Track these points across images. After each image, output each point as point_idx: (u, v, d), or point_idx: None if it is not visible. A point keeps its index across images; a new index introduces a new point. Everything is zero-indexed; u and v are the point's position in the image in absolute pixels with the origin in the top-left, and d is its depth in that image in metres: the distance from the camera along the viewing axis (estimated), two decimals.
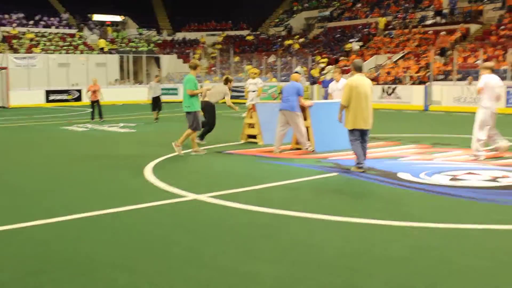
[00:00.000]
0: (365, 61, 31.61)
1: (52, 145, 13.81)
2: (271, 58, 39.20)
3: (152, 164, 9.98)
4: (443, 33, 32.38)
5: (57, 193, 7.87)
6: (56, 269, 4.63)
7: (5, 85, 32.11)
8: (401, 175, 8.59)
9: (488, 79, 9.91)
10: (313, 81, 30.67)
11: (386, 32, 37.29)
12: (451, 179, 8.21)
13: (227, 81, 13.82)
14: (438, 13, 36.00)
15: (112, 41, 45.16)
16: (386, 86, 27.42)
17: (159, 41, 47.75)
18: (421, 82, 27.23)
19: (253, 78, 18.56)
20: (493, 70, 10.24)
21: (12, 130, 18.28)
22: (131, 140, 14.55)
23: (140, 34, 48.16)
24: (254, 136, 12.94)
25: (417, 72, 28.66)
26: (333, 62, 34.22)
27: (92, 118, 20.09)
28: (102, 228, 5.87)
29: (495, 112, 10.04)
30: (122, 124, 18.88)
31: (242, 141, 13.07)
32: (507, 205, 6.69)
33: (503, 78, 24.41)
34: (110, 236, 5.57)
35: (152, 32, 49.17)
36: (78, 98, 34.13)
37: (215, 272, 4.51)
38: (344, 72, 24.56)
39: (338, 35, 40.55)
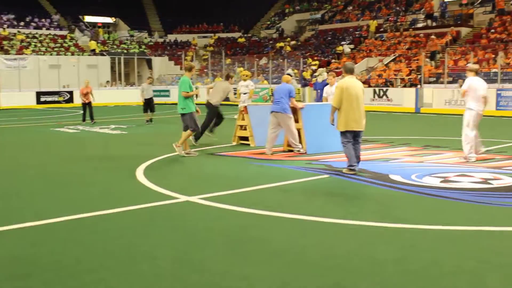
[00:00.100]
0: (357, 63, 31.69)
1: (43, 147, 13.74)
2: (263, 61, 39.23)
3: (143, 165, 9.96)
4: (433, 36, 32.56)
5: (47, 195, 7.83)
6: (45, 271, 4.60)
7: None
8: (392, 177, 8.61)
9: (472, 82, 10.09)
10: (305, 83, 30.72)
11: (377, 35, 37.44)
12: (442, 181, 8.23)
13: (228, 77, 13.85)
14: (429, 16, 36.19)
15: (104, 43, 45.03)
16: (377, 89, 27.50)
17: (151, 43, 47.66)
18: (412, 84, 27.35)
19: (245, 80, 18.56)
20: (477, 73, 10.45)
21: (3, 131, 18.17)
22: (122, 142, 14.51)
23: (132, 36, 48.06)
24: (246, 138, 12.93)
25: (408, 75, 28.78)
26: (325, 64, 34.29)
27: (83, 120, 20.01)
28: (92, 231, 5.84)
29: (481, 114, 10.13)
30: (113, 126, 18.82)
31: (234, 143, 13.06)
32: (498, 206, 6.72)
33: (493, 81, 24.62)
34: (100, 239, 5.54)
35: (144, 34, 49.08)
36: (69, 100, 34.00)
37: (206, 275, 4.49)
38: (338, 75, 24.63)
39: (330, 38, 40.66)
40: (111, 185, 8.51)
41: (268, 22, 50.68)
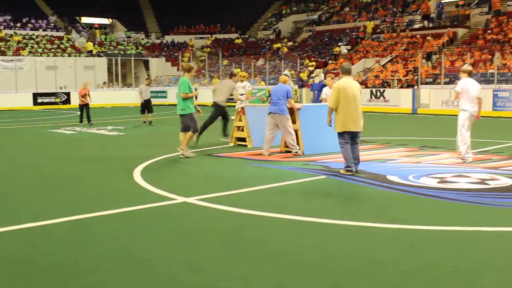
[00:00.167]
0: (353, 64, 31.75)
1: (40, 148, 13.72)
2: (260, 62, 39.25)
3: (141, 167, 9.95)
4: (429, 37, 32.63)
5: (44, 196, 7.82)
6: (43, 272, 4.59)
7: None
8: (390, 177, 8.62)
9: (465, 83, 10.18)
10: (302, 84, 30.73)
11: (374, 36, 37.49)
12: (439, 182, 8.25)
13: (231, 76, 13.88)
14: (426, 17, 36.27)
15: (100, 44, 45.00)
16: (374, 90, 27.54)
17: (148, 44, 47.66)
18: (409, 85, 27.40)
19: (242, 81, 18.56)
20: (470, 74, 10.51)
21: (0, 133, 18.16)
22: (119, 143, 14.50)
23: (128, 37, 48.04)
24: (243, 139, 12.93)
25: (405, 76, 28.82)
26: (322, 65, 34.33)
27: (81, 121, 19.97)
28: (89, 232, 5.84)
29: (475, 115, 10.19)
30: (110, 127, 18.80)
31: (231, 144, 13.06)
32: (495, 207, 6.73)
33: (490, 82, 24.70)
34: (97, 240, 5.53)
35: (141, 35, 49.07)
36: (66, 101, 33.96)
37: (203, 276, 4.49)
38: (336, 75, 24.69)
39: (326, 39, 40.71)
40: (108, 186, 8.50)
41: (265, 23, 50.71)
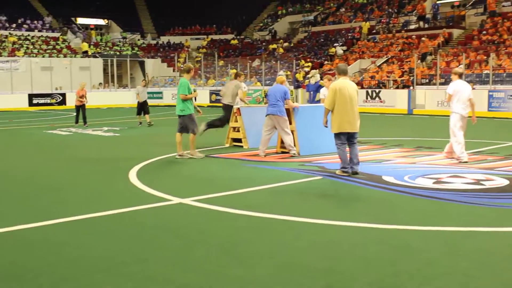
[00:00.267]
0: (349, 65, 31.79)
1: (36, 149, 13.69)
2: (256, 62, 39.27)
3: (136, 168, 9.94)
4: (423, 38, 32.69)
5: (39, 197, 7.80)
6: (40, 274, 4.58)
7: None
8: (385, 178, 8.63)
9: (456, 85, 10.31)
10: (297, 85, 30.76)
11: (370, 36, 37.56)
12: (435, 182, 8.27)
13: (236, 76, 13.89)
14: (421, 18, 36.35)
15: (96, 45, 44.94)
16: (370, 90, 27.59)
17: (143, 45, 47.62)
18: (405, 86, 27.45)
19: None
20: (461, 76, 10.64)
21: None
22: (115, 144, 14.49)
23: (124, 37, 47.99)
24: (239, 140, 12.93)
25: (400, 76, 28.88)
26: (317, 66, 34.37)
27: (76, 122, 19.93)
28: (87, 233, 5.83)
29: (466, 116, 10.29)
30: (106, 128, 18.78)
31: (227, 145, 13.06)
32: (490, 207, 6.75)
33: (485, 83, 24.78)
34: (95, 241, 5.52)
35: (136, 35, 49.04)
36: (62, 102, 33.91)
37: (200, 276, 4.50)
38: (333, 75, 24.74)
39: (322, 40, 40.76)
40: (104, 187, 8.49)
41: (261, 24, 50.75)
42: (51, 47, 41.58)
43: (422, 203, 7.03)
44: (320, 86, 14.86)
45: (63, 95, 34.11)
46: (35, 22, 44.98)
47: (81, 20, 49.18)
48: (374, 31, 38.13)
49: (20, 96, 33.02)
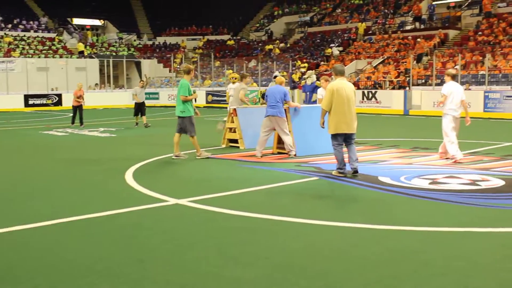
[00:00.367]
0: (345, 66, 31.81)
1: (31, 150, 13.65)
2: (252, 63, 39.27)
3: (133, 168, 9.93)
4: (419, 39, 32.75)
5: (36, 198, 7.78)
6: (36, 276, 4.57)
7: None
8: (381, 179, 8.64)
9: (450, 87, 10.43)
10: (294, 85, 30.79)
11: (366, 37, 37.61)
12: (431, 183, 8.28)
13: (242, 78, 13.92)
14: (417, 18, 36.43)
15: (92, 45, 44.88)
16: (366, 91, 27.63)
17: (140, 46, 47.59)
18: (401, 86, 27.50)
19: (234, 83, 18.57)
20: (454, 77, 10.79)
21: None
22: (111, 145, 14.46)
23: (120, 38, 47.94)
24: (235, 141, 12.93)
25: (396, 77, 28.92)
26: (314, 67, 34.40)
27: (72, 123, 19.91)
28: (83, 234, 5.82)
29: (458, 118, 10.38)
30: (102, 129, 18.76)
31: (223, 146, 13.06)
32: (486, 208, 6.77)
33: (481, 83, 24.84)
34: (91, 242, 5.52)
35: (133, 36, 48.98)
36: (58, 103, 33.84)
37: (197, 277, 4.50)
38: (330, 75, 24.79)
39: (318, 40, 40.79)
40: (100, 188, 8.48)
41: (257, 25, 50.77)
42: (47, 47, 41.51)
43: (418, 204, 7.04)
44: (316, 87, 14.90)
45: (59, 95, 34.03)
46: (31, 22, 44.90)
47: (77, 21, 49.10)
48: (370, 31, 38.18)
49: (16, 96, 32.94)
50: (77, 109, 19.79)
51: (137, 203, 7.12)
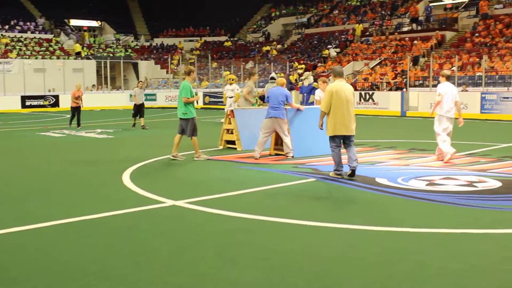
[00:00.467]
0: (343, 67, 31.84)
1: (28, 151, 13.63)
2: (249, 64, 39.28)
3: (130, 170, 9.92)
4: (415, 41, 32.79)
5: (32, 199, 7.77)
6: (31, 277, 4.57)
7: None
8: (379, 180, 8.65)
9: (445, 88, 10.56)
10: (291, 87, 30.78)
11: (363, 38, 37.65)
12: (428, 184, 8.29)
13: (250, 76, 13.94)
14: (414, 20, 36.49)
15: (89, 47, 44.84)
16: (363, 92, 27.65)
17: (137, 47, 47.55)
18: (398, 88, 27.53)
19: (231, 84, 18.62)
20: (448, 78, 10.91)
21: None
22: (109, 146, 14.44)
23: (118, 39, 47.91)
24: (232, 142, 12.93)
25: (393, 78, 28.96)
26: (311, 68, 34.42)
27: (70, 124, 19.88)
28: (80, 235, 5.81)
29: (451, 118, 10.50)
30: (99, 130, 18.73)
31: (221, 147, 13.05)
32: (483, 209, 6.78)
33: (478, 85, 24.88)
34: (88, 243, 5.51)
35: (130, 37, 48.95)
36: (55, 104, 33.79)
37: (195, 278, 4.49)
38: (327, 76, 24.80)
39: (316, 42, 40.82)
40: (97, 190, 8.47)
41: (254, 26, 50.79)
42: (44, 48, 41.46)
43: (415, 205, 7.05)
44: (314, 88, 14.90)
45: (56, 97, 33.97)
46: (28, 23, 44.84)
47: (74, 22, 49.04)
48: (367, 33, 38.22)
49: (13, 98, 32.87)
50: (76, 111, 19.71)
51: (134, 204, 7.11)
